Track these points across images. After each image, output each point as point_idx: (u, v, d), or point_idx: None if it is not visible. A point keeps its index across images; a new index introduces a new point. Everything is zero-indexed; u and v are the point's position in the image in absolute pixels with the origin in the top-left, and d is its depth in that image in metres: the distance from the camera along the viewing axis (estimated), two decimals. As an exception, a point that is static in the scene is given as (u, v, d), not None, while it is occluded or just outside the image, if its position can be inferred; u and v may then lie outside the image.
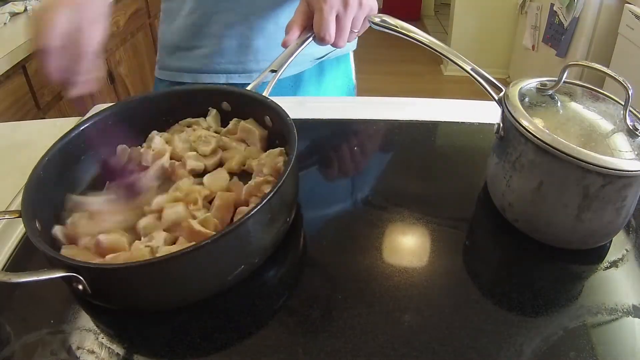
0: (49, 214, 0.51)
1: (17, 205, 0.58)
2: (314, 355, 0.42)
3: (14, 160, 0.71)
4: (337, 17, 0.64)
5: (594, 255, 0.51)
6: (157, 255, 0.45)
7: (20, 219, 0.46)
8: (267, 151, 0.57)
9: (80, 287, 0.41)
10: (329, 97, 0.95)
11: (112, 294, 0.44)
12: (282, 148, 0.57)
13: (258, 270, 0.48)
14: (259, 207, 0.43)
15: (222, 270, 0.45)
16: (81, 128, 0.57)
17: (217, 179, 0.56)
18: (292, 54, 0.64)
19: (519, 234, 0.53)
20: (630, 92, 0.46)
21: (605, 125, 0.49)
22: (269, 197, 0.44)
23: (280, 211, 0.48)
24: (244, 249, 0.45)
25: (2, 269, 0.50)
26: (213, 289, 0.46)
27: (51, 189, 0.53)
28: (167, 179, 0.57)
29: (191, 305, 0.46)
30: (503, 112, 0.52)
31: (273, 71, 0.63)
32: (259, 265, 0.48)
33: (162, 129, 0.63)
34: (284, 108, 0.56)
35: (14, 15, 1.58)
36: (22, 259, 0.52)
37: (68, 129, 0.56)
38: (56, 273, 0.40)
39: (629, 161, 0.44)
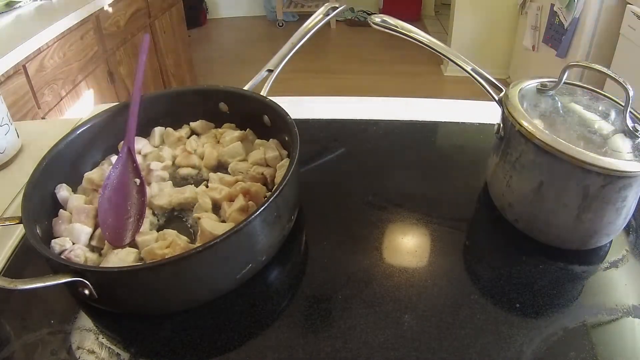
0: (48, 218, 0.51)
1: (16, 205, 0.58)
2: (314, 355, 0.42)
3: (13, 160, 0.71)
4: None
5: (594, 255, 0.51)
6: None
7: (16, 223, 0.45)
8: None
9: (87, 291, 0.41)
10: (328, 97, 0.95)
11: (120, 298, 0.44)
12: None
13: (258, 272, 0.48)
14: (266, 204, 0.43)
15: (230, 269, 0.45)
16: (78, 132, 0.57)
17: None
18: (287, 54, 0.65)
19: (519, 234, 0.53)
20: (630, 93, 0.46)
21: (606, 126, 0.49)
22: (274, 195, 0.44)
23: (285, 209, 0.48)
24: (252, 247, 0.45)
25: (0, 274, 0.50)
26: (222, 289, 0.46)
27: (50, 194, 0.53)
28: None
29: (193, 306, 0.46)
30: (503, 112, 0.52)
31: (269, 71, 0.63)
32: (265, 263, 0.48)
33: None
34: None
35: (14, 15, 1.58)
36: (20, 263, 0.52)
37: (68, 130, 0.56)
38: (62, 278, 0.40)
39: (629, 162, 0.44)
